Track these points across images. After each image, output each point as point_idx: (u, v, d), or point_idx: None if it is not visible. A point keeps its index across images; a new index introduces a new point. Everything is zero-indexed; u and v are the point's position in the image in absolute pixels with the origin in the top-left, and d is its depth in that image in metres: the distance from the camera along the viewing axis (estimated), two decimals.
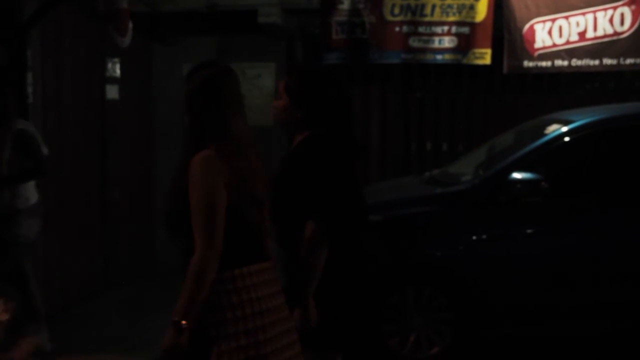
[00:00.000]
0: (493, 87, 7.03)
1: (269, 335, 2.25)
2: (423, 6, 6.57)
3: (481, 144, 5.73)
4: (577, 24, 6.49)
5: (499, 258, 4.38)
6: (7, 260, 4.24)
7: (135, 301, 5.99)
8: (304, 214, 2.58)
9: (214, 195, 2.18)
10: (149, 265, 7.10)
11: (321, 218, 2.57)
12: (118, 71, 6.39)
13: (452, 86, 7.13)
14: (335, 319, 2.69)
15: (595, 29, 6.47)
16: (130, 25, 5.72)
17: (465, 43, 6.56)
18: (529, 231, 4.45)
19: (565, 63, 6.53)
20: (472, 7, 6.50)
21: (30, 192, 4.37)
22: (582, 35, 6.49)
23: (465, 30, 6.55)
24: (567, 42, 6.51)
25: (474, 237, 4.37)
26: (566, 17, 6.50)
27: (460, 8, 6.53)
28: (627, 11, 6.41)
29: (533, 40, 6.52)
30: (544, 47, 6.53)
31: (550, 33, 6.52)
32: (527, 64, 6.57)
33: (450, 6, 6.54)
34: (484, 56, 6.55)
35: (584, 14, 6.48)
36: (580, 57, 6.50)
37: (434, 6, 6.57)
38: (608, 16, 6.44)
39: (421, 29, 6.61)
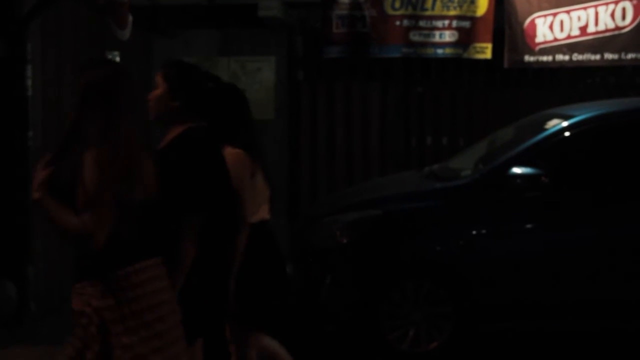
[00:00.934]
0: (494, 82, 7.02)
1: (163, 328, 2.36)
2: (424, 0, 6.56)
3: (481, 139, 5.72)
4: (579, 18, 6.47)
5: (499, 252, 4.38)
6: None
7: None
8: (175, 211, 2.52)
9: None
10: None
11: (191, 215, 2.53)
12: None
13: (452, 80, 7.13)
14: (196, 314, 2.63)
15: (596, 23, 6.45)
16: (130, 18, 5.70)
17: (466, 37, 6.54)
18: (528, 226, 4.45)
19: (567, 58, 6.51)
20: (473, 1, 6.49)
21: None
22: (583, 29, 6.47)
23: (466, 24, 6.53)
24: (568, 37, 6.50)
25: (474, 232, 4.37)
26: (567, 12, 6.48)
27: (461, 2, 6.51)
28: (628, 6, 6.39)
29: (534, 35, 6.51)
30: (545, 42, 6.51)
31: (551, 27, 6.50)
32: (528, 58, 6.55)
33: (451, 0, 6.52)
34: (485, 50, 6.54)
35: (585, 8, 6.46)
36: (581, 52, 6.49)
37: (434, 0, 6.55)
38: (609, 11, 6.42)
39: (422, 23, 6.59)
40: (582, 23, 6.46)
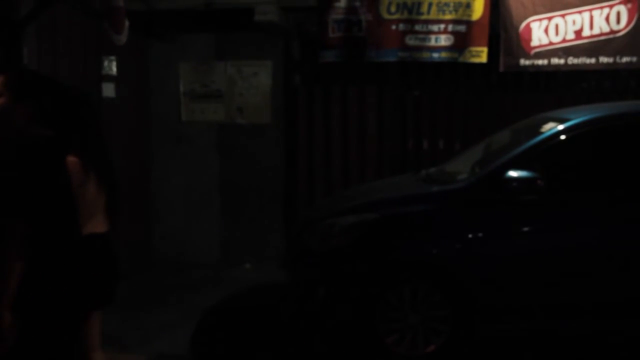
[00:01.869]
0: (489, 86, 7.04)
1: None
2: (419, 4, 6.58)
3: (477, 142, 5.74)
4: (574, 22, 6.50)
5: (495, 256, 4.39)
6: None
7: (131, 298, 5.99)
8: (4, 218, 2.46)
9: None
10: (146, 262, 7.10)
11: (11, 220, 2.46)
12: (114, 69, 6.38)
13: (448, 84, 7.14)
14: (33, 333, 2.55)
15: (591, 27, 6.48)
16: (127, 22, 5.71)
17: (462, 41, 6.56)
18: (525, 229, 4.46)
19: (562, 61, 6.54)
20: (468, 5, 6.51)
21: None
22: (578, 33, 6.50)
23: (461, 28, 6.56)
24: (564, 41, 6.52)
25: (470, 235, 4.38)
26: (562, 16, 6.51)
27: (457, 6, 6.53)
28: (623, 9, 6.42)
29: (529, 39, 6.53)
30: (541, 46, 6.54)
31: (546, 31, 6.53)
32: (523, 62, 6.58)
33: (446, 4, 6.55)
34: (481, 54, 6.55)
35: (580, 12, 6.49)
36: (576, 56, 6.51)
37: (430, 4, 6.58)
38: (604, 14, 6.45)
39: (418, 27, 6.61)
40: (577, 27, 6.49)
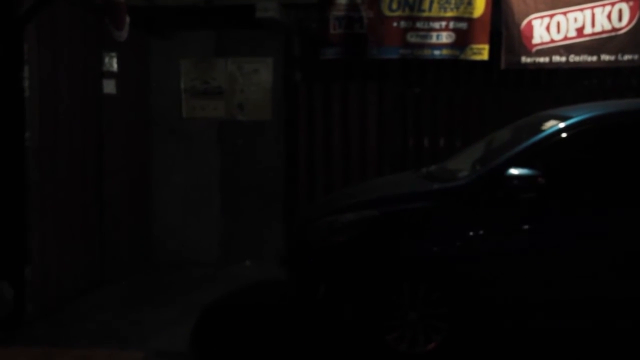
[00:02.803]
0: (491, 83, 7.03)
1: None
2: (421, 1, 6.57)
3: (478, 140, 5.73)
4: (575, 19, 6.49)
5: (496, 253, 4.38)
6: None
7: (131, 296, 6.00)
8: None
9: None
10: (146, 259, 7.10)
11: None
12: (115, 65, 6.37)
13: (449, 82, 7.13)
14: None
15: (593, 25, 6.47)
16: (128, 19, 5.71)
17: (463, 38, 6.55)
18: (525, 227, 4.45)
19: (563, 59, 6.53)
20: (470, 3, 6.50)
21: None
22: (580, 31, 6.49)
23: (463, 25, 6.55)
24: (565, 38, 6.51)
25: (471, 233, 4.38)
26: (564, 13, 6.50)
27: (458, 3, 6.52)
28: (625, 7, 6.41)
29: (531, 36, 6.52)
30: (542, 43, 6.53)
31: (548, 29, 6.51)
32: (524, 59, 6.57)
33: (448, 2, 6.54)
34: (482, 52, 6.54)
35: (582, 9, 6.48)
36: (578, 53, 6.50)
37: (431, 1, 6.56)
38: (606, 12, 6.44)
39: (419, 25, 6.60)
40: (579, 24, 6.48)
